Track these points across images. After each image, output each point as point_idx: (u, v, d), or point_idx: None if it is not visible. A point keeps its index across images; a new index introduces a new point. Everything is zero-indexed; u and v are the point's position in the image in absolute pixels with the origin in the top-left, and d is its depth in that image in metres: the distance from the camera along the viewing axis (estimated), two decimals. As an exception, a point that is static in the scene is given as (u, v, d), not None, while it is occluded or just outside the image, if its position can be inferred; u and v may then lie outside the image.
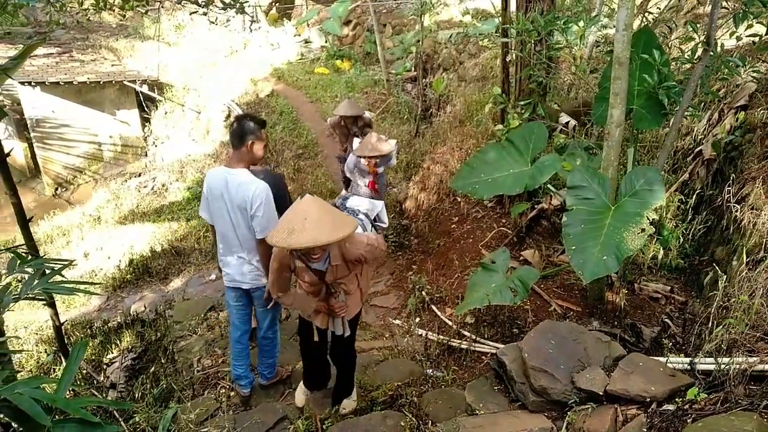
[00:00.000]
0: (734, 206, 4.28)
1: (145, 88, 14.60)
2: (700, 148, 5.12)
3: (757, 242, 3.83)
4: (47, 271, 2.80)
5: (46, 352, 5.59)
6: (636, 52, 3.98)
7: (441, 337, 4.66)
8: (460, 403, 3.63)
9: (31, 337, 6.40)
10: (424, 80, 11.38)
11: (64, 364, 4.63)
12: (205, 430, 3.73)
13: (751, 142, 4.71)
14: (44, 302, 3.97)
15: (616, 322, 4.22)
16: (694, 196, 4.87)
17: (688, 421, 2.70)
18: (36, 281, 2.69)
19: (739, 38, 4.03)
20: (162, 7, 14.23)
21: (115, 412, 3.94)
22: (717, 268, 3.85)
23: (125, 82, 14.29)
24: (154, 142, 14.92)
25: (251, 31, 17.41)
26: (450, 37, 10.75)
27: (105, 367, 5.18)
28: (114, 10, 7.80)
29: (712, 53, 4.00)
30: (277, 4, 19.78)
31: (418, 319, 5.35)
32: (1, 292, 2.67)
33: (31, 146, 13.97)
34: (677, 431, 2.67)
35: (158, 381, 4.48)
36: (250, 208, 3.45)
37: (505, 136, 5.08)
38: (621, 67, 3.65)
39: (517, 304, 4.26)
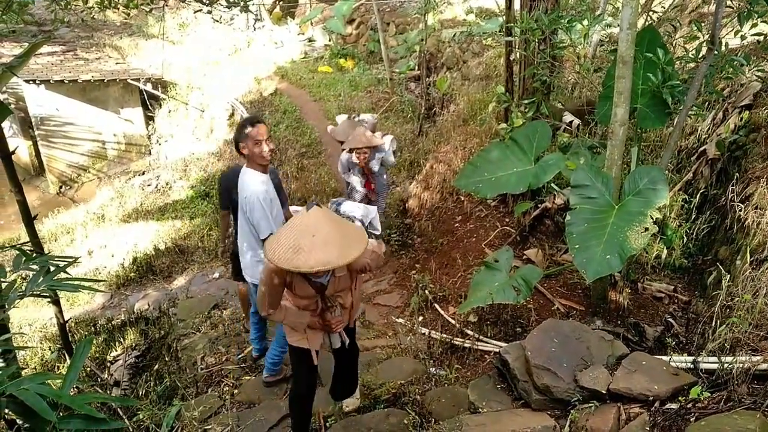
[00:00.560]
0: (738, 206, 4.28)
1: (149, 87, 14.63)
2: (704, 147, 5.10)
3: (761, 242, 3.82)
4: (52, 269, 2.81)
5: (50, 349, 5.61)
6: (640, 51, 3.98)
7: (444, 335, 4.66)
8: (463, 402, 3.63)
9: (35, 334, 6.43)
10: (427, 79, 11.37)
11: (68, 361, 4.65)
12: (209, 427, 3.74)
13: (755, 142, 4.70)
14: (49, 300, 3.99)
15: (619, 321, 4.22)
16: (698, 196, 4.86)
17: (691, 419, 2.70)
18: (41, 278, 2.70)
19: (743, 37, 4.02)
20: (166, 5, 14.23)
21: (119, 409, 3.96)
22: (720, 267, 3.84)
23: (129, 81, 14.32)
24: (158, 141, 14.95)
25: (255, 29, 17.44)
26: (454, 35, 10.71)
27: (109, 364, 5.19)
28: (118, 9, 7.82)
29: (716, 52, 3.99)
30: (281, 3, 19.79)
31: (421, 318, 5.35)
32: (7, 289, 2.68)
33: (35, 144, 14.01)
34: (680, 430, 2.67)
35: (162, 379, 4.50)
36: (246, 207, 3.61)
37: (509, 135, 5.09)
38: (625, 66, 3.64)
39: (520, 302, 4.27)
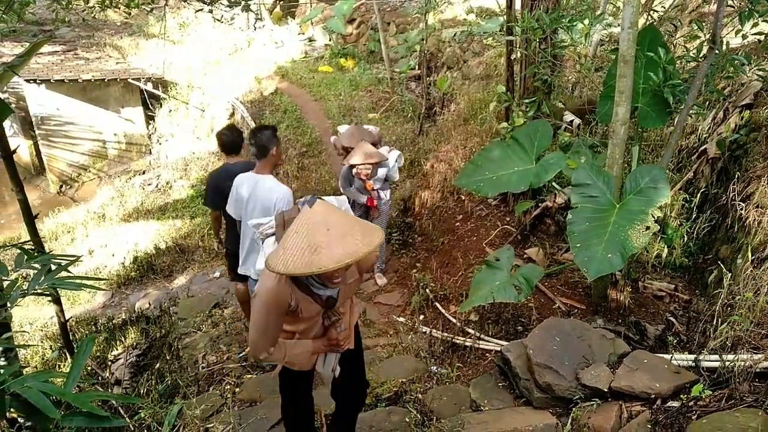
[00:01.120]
0: (739, 205, 4.28)
1: (149, 86, 14.63)
2: (704, 146, 5.10)
3: (762, 240, 3.82)
4: (53, 268, 2.81)
5: (51, 348, 5.62)
6: (641, 50, 3.98)
7: (445, 334, 4.66)
8: (464, 400, 3.64)
9: (36, 333, 6.43)
10: (428, 79, 11.37)
11: (69, 360, 4.65)
12: (211, 425, 3.74)
13: (756, 141, 4.70)
14: (50, 298, 3.99)
15: (620, 320, 4.23)
16: (699, 195, 4.86)
17: (693, 417, 2.70)
18: (42, 277, 2.70)
19: (745, 36, 4.02)
20: (167, 5, 14.23)
21: (120, 407, 3.96)
22: (722, 266, 3.84)
23: (130, 80, 14.32)
24: (158, 140, 14.95)
25: (255, 29, 17.42)
26: (454, 35, 10.71)
27: (110, 363, 5.20)
28: (119, 8, 7.82)
29: (717, 51, 3.99)
30: (281, 2, 19.78)
31: (422, 317, 5.36)
32: (8, 288, 2.68)
33: (36, 144, 14.02)
34: (682, 428, 2.67)
35: (163, 377, 4.50)
36: (273, 209, 3.80)
37: (510, 134, 5.09)
38: (626, 65, 3.64)
39: (521, 301, 4.27)
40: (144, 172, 13.98)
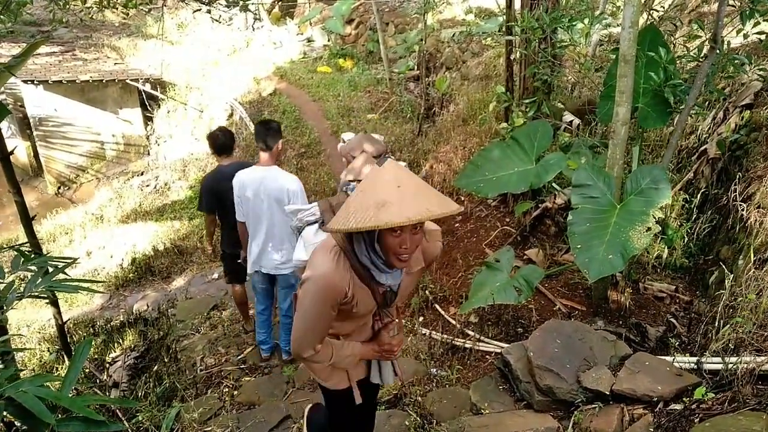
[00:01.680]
0: (740, 205, 4.26)
1: (147, 87, 14.60)
2: (704, 146, 5.09)
3: (764, 241, 3.80)
4: (50, 270, 2.78)
5: (48, 350, 5.59)
6: (642, 50, 3.96)
7: (445, 336, 4.64)
8: (464, 403, 3.61)
9: (33, 335, 6.40)
10: (427, 79, 11.35)
11: (66, 362, 4.62)
12: (209, 429, 3.72)
13: (756, 141, 4.69)
14: (47, 301, 3.97)
15: (620, 322, 4.20)
16: (699, 195, 4.85)
17: (696, 420, 2.68)
18: (39, 279, 2.67)
19: (746, 36, 4.00)
20: (165, 5, 14.21)
21: (118, 411, 3.93)
22: (724, 267, 3.82)
23: (128, 81, 14.30)
24: (156, 141, 14.92)
25: (254, 29, 17.36)
26: (453, 35, 10.69)
27: (108, 366, 5.17)
28: (117, 9, 7.79)
29: (718, 51, 3.97)
30: (280, 3, 19.76)
31: (421, 318, 5.33)
32: (5, 290, 2.65)
33: (33, 145, 13.99)
34: (684, 431, 2.65)
35: (161, 380, 4.47)
36: (287, 199, 4.00)
37: (510, 134, 5.07)
38: (627, 65, 3.63)
39: (521, 303, 4.24)
40: (142, 173, 13.96)
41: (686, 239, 4.68)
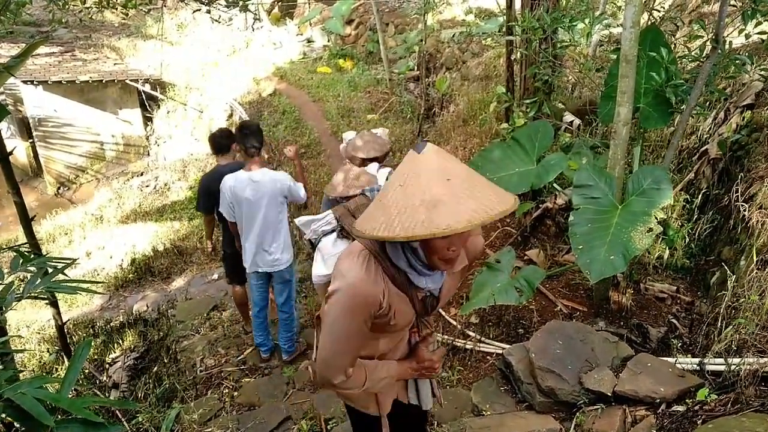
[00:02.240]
0: (742, 205, 4.25)
1: (147, 88, 14.57)
2: (705, 147, 5.08)
3: (767, 242, 3.79)
4: (50, 270, 2.77)
5: (48, 351, 5.57)
6: (643, 50, 3.95)
7: (445, 337, 4.63)
8: (466, 404, 3.60)
9: (33, 336, 6.38)
10: (427, 79, 11.33)
11: (66, 363, 4.61)
12: (209, 430, 3.71)
13: (757, 141, 4.68)
14: (46, 301, 3.95)
15: (622, 322, 4.19)
16: (700, 196, 4.84)
17: (698, 422, 2.67)
18: (39, 280, 2.66)
19: (747, 36, 3.99)
20: (164, 5, 14.22)
21: (117, 412, 3.92)
22: (726, 267, 3.81)
23: (127, 82, 14.26)
24: (156, 142, 14.90)
25: (253, 30, 17.35)
26: (453, 36, 10.67)
27: (107, 366, 5.15)
28: (116, 9, 7.78)
29: (720, 51, 3.96)
30: (280, 3, 19.74)
31: (422, 319, 5.31)
32: (4, 291, 2.64)
33: (33, 145, 13.95)
34: (687, 433, 2.64)
35: (161, 381, 4.46)
36: (288, 192, 4.21)
37: (511, 134, 5.05)
38: (628, 65, 3.62)
39: (522, 303, 4.23)
40: (142, 174, 13.93)
41: (687, 240, 4.68)
